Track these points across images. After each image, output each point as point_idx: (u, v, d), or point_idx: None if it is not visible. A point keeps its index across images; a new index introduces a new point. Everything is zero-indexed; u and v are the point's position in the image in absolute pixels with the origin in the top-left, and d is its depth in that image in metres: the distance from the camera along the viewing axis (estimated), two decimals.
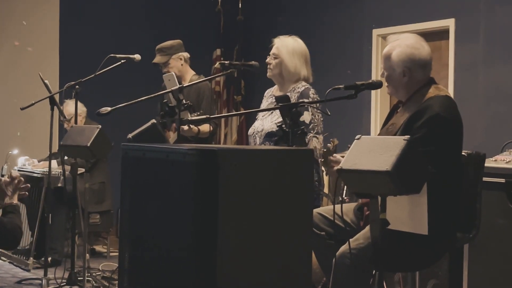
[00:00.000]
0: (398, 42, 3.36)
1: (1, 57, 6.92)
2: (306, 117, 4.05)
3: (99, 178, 6.06)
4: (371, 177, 2.57)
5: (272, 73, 4.29)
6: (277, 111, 4.11)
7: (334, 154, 3.38)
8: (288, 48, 4.26)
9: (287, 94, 3.94)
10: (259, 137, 4.21)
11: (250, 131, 4.35)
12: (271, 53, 4.30)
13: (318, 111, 4.08)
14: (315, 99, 4.12)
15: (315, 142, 4.07)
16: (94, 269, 5.55)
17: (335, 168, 3.19)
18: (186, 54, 5.23)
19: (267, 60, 4.30)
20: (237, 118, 7.85)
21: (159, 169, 2.52)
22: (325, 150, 3.38)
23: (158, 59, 5.18)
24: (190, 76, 5.21)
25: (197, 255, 2.33)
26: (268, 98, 4.42)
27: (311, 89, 4.19)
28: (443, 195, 3.08)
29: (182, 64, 5.19)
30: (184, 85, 4.18)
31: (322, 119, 4.15)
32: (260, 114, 4.38)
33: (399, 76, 3.31)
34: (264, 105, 4.42)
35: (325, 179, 5.80)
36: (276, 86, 4.41)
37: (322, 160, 3.41)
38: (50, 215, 5.07)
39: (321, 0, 7.34)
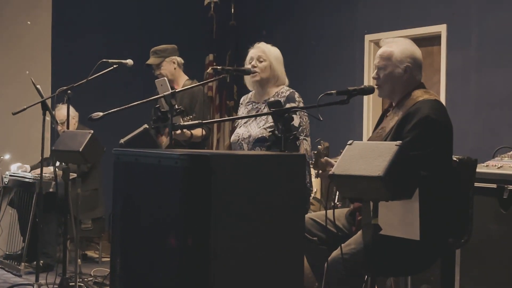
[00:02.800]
0: (395, 43, 3.39)
1: None
2: (295, 120, 4.04)
3: (92, 185, 6.04)
4: (363, 182, 2.57)
5: (260, 76, 4.21)
6: (262, 116, 4.14)
7: (325, 158, 3.38)
8: (274, 54, 4.27)
9: (279, 99, 3.94)
10: (247, 144, 4.17)
11: (234, 138, 4.28)
12: (255, 56, 4.24)
13: (305, 114, 4.09)
14: (301, 102, 4.15)
15: (305, 145, 4.08)
16: (86, 274, 5.54)
17: (329, 170, 3.20)
18: (179, 59, 5.24)
19: (252, 63, 4.23)
20: (230, 123, 7.84)
21: (151, 174, 2.51)
22: (315, 152, 3.38)
23: (151, 60, 5.19)
24: (183, 81, 5.21)
25: (189, 261, 2.33)
26: (247, 105, 4.38)
27: (296, 92, 4.20)
28: (435, 200, 3.09)
29: (175, 68, 5.20)
30: (177, 90, 4.18)
31: (309, 121, 4.15)
32: (242, 121, 4.34)
33: (401, 73, 3.32)
34: (243, 112, 4.38)
35: (316, 182, 5.81)
36: (251, 93, 4.39)
37: (313, 162, 3.41)
38: (41, 220, 5.05)
39: (314, 6, 7.36)
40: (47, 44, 7.11)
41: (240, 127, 4.32)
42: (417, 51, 3.38)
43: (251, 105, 4.35)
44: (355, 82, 6.49)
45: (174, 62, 5.19)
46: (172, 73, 5.17)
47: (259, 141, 4.10)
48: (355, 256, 3.10)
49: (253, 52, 4.29)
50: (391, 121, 3.29)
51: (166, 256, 2.41)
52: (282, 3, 7.77)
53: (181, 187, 2.36)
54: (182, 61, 5.26)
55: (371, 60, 6.50)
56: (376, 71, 3.40)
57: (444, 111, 3.26)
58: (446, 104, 5.75)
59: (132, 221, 2.60)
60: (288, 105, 3.91)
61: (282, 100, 4.07)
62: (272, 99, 4.10)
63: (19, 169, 6.08)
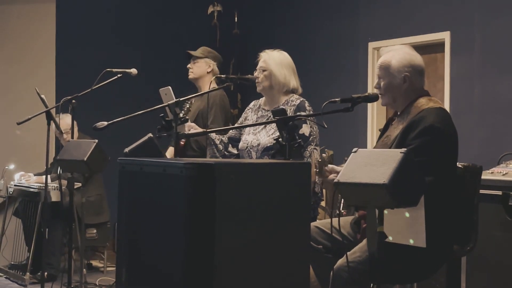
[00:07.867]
0: (393, 52, 3.38)
1: None
2: (305, 129, 4.05)
3: (96, 190, 6.04)
4: (368, 190, 2.57)
5: (262, 86, 4.23)
6: (272, 124, 4.11)
7: (331, 165, 3.37)
8: (275, 59, 4.24)
9: (283, 107, 3.93)
10: (256, 152, 4.14)
11: (242, 145, 4.25)
12: (258, 67, 4.27)
13: (315, 123, 4.07)
14: (311, 112, 4.11)
15: (316, 154, 4.06)
16: (91, 284, 5.54)
17: (330, 177, 3.21)
18: (216, 69, 5.19)
19: (255, 74, 4.26)
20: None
21: (156, 183, 2.52)
22: (319, 160, 3.37)
23: (195, 52, 5.20)
24: (208, 88, 5.13)
25: (194, 269, 2.33)
26: (257, 110, 4.35)
27: (306, 101, 4.17)
28: (440, 207, 3.08)
29: (207, 72, 5.17)
30: (181, 99, 4.17)
31: (318, 131, 4.14)
32: (251, 128, 4.31)
33: (399, 83, 3.31)
34: (251, 117, 4.35)
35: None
36: (263, 99, 4.36)
37: (317, 170, 3.40)
38: (46, 230, 5.06)
39: (317, 13, 7.36)
40: (52, 54, 7.13)
41: (248, 134, 4.28)
42: (416, 58, 3.36)
43: (261, 111, 4.32)
44: (358, 89, 6.48)
45: (210, 66, 5.17)
46: (201, 74, 5.15)
47: (267, 150, 4.07)
48: (360, 264, 3.09)
49: (259, 62, 4.30)
50: (396, 129, 3.29)
51: (171, 265, 2.40)
52: (285, 11, 7.78)
53: (186, 196, 2.36)
54: (218, 72, 5.20)
55: (375, 68, 6.49)
56: (377, 80, 3.41)
57: (448, 120, 3.25)
58: (451, 110, 5.74)
59: (137, 230, 2.60)
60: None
61: (292, 109, 4.08)
62: (282, 107, 4.08)
63: (22, 178, 6.09)
